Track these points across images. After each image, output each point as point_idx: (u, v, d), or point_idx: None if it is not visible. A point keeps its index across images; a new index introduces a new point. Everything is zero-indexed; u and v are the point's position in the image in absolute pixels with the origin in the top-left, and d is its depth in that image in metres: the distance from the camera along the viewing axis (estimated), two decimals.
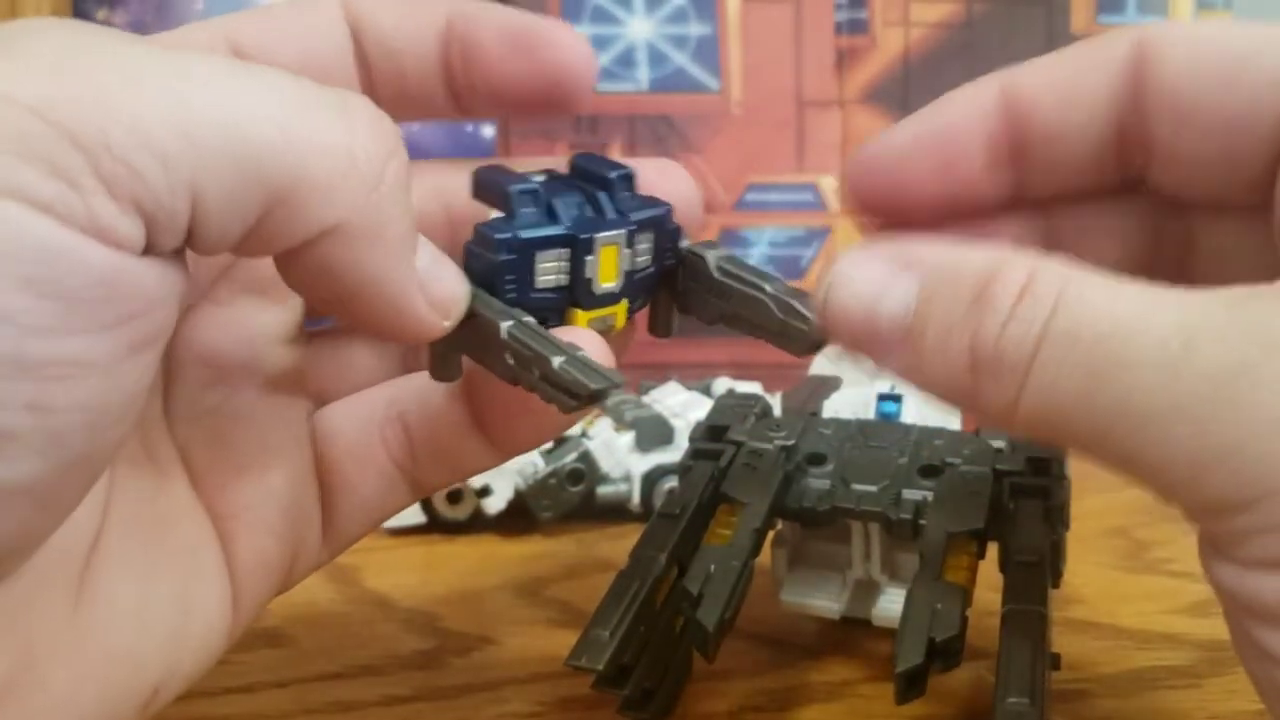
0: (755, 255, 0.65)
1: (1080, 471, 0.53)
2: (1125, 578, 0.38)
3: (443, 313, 0.20)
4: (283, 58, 0.22)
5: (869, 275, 0.20)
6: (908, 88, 0.55)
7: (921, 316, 0.19)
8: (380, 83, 0.23)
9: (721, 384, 0.49)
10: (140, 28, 0.54)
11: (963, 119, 0.23)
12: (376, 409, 0.24)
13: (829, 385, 0.39)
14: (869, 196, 0.24)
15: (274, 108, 0.17)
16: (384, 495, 0.25)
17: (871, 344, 0.20)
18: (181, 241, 0.17)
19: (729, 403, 0.35)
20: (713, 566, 0.26)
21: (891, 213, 0.24)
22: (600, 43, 0.56)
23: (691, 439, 0.33)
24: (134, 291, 0.17)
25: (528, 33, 0.22)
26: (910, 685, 0.24)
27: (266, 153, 0.17)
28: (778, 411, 0.36)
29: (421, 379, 0.24)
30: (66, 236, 0.15)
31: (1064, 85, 0.22)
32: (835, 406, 0.38)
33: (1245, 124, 0.20)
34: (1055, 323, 0.17)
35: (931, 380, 0.19)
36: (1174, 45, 0.21)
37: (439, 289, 0.20)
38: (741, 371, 0.51)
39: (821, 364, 0.52)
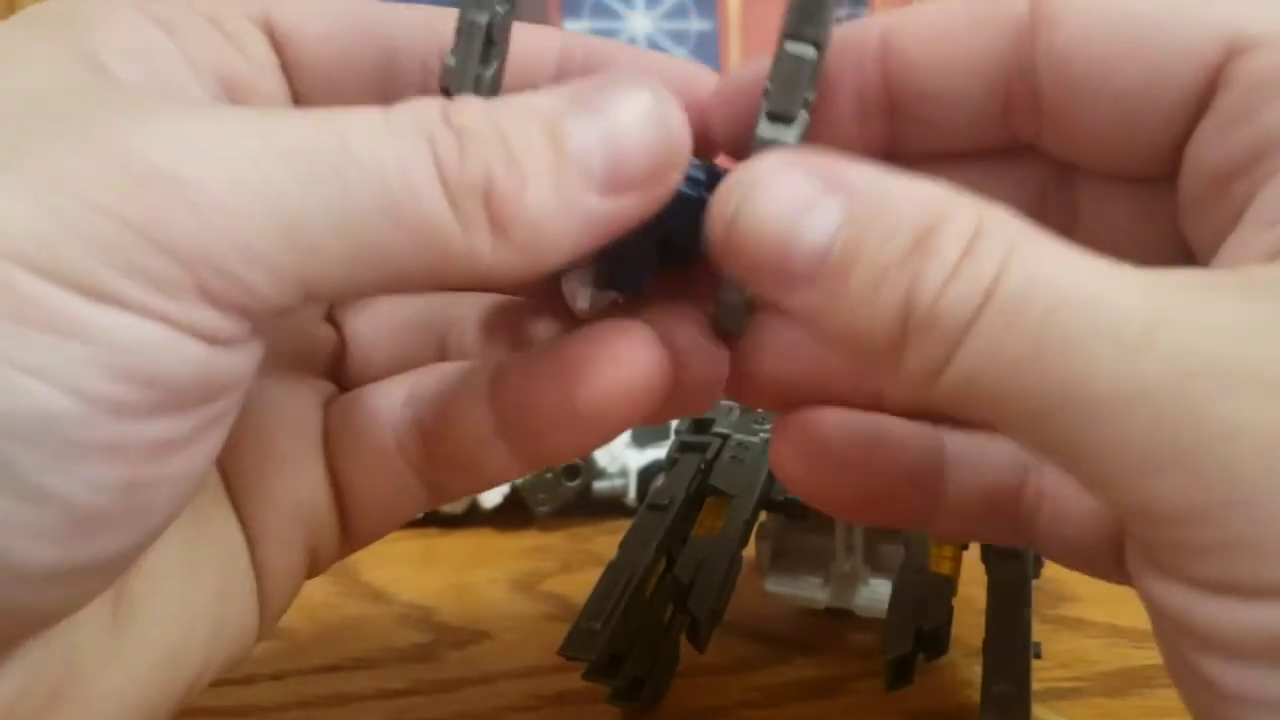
0: None
1: None
2: None
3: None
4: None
5: (791, 191, 0.17)
6: None
7: (848, 252, 0.16)
8: None
9: None
10: None
11: (835, 62, 0.20)
12: (393, 412, 0.23)
13: None
14: (720, 125, 0.21)
15: (380, 196, 0.16)
16: (400, 501, 0.23)
17: (778, 275, 0.17)
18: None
19: None
20: (703, 557, 0.26)
21: (739, 149, 0.20)
22: (600, 36, 0.56)
23: (677, 432, 0.34)
24: (228, 377, 0.17)
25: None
26: (898, 673, 0.24)
27: (378, 243, 0.16)
28: None
29: (439, 378, 0.22)
30: (168, 336, 0.15)
31: (946, 44, 0.20)
32: None
33: (1146, 97, 0.19)
34: (1003, 283, 0.15)
35: (847, 327, 0.17)
36: (1073, 8, 0.19)
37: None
38: None
39: None
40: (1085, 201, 0.21)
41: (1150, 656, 0.31)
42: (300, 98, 0.21)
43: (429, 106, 0.17)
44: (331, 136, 0.16)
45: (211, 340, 0.16)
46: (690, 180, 0.19)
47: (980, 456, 0.22)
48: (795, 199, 0.17)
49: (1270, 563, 0.15)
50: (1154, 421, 0.15)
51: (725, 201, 0.17)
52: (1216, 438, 0.15)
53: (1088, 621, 0.34)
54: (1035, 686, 0.29)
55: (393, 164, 0.16)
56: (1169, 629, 0.17)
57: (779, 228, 0.17)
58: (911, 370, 0.16)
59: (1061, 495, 0.21)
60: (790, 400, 0.22)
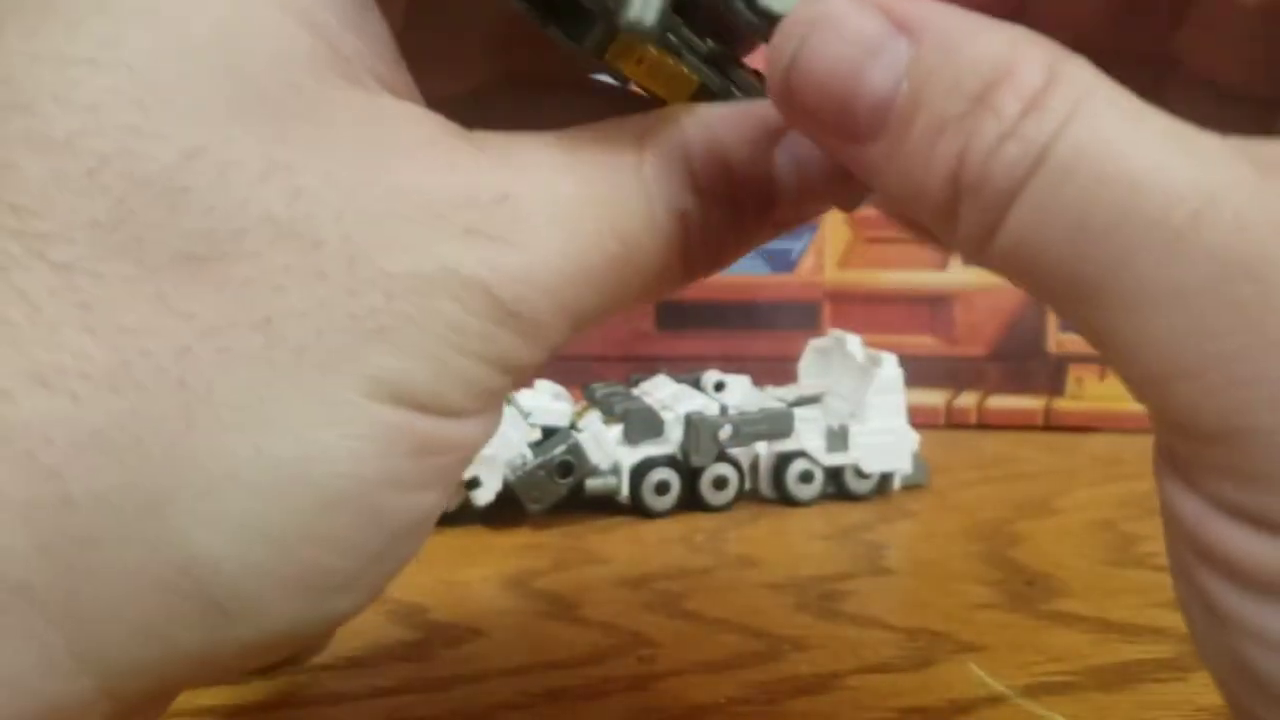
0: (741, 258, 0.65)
1: (1068, 465, 0.54)
2: (1112, 571, 0.38)
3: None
4: None
5: (856, 31, 0.15)
6: None
7: (912, 100, 0.15)
8: None
9: (711, 377, 0.49)
10: None
11: None
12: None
13: None
14: None
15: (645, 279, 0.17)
16: None
17: (840, 125, 0.16)
18: None
19: None
20: None
21: None
22: None
23: None
24: (481, 444, 0.17)
25: None
26: None
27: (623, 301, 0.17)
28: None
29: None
30: (444, 426, 0.16)
31: None
32: None
33: None
34: (1058, 146, 0.14)
35: (903, 184, 0.15)
36: None
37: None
38: (731, 364, 0.51)
39: (813, 361, 0.53)
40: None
41: (1142, 651, 0.31)
42: None
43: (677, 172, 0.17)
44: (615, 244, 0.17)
45: (480, 415, 0.17)
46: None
47: None
48: (861, 40, 0.15)
49: None
50: (1184, 324, 0.13)
51: (785, 41, 0.16)
52: (1244, 351, 0.13)
53: (1080, 616, 0.34)
54: (1028, 681, 0.29)
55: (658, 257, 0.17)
56: (1182, 541, 0.15)
57: (842, 72, 0.15)
58: (963, 233, 0.15)
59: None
60: None
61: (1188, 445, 0.15)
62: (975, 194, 0.15)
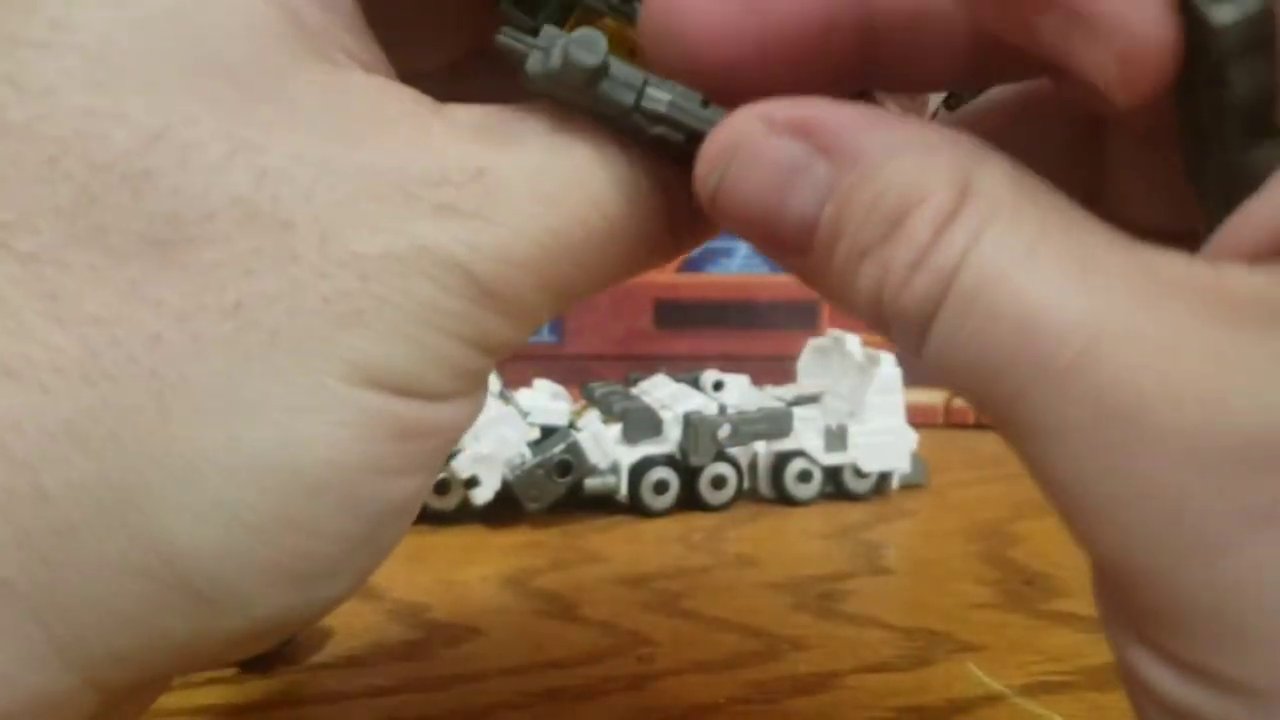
0: (738, 257, 0.65)
1: None
2: None
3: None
4: None
5: (778, 157, 0.15)
6: None
7: (832, 227, 0.15)
8: None
9: (709, 376, 0.49)
10: None
11: None
12: None
13: None
14: (667, 36, 0.16)
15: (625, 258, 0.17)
16: None
17: (770, 242, 0.16)
18: None
19: None
20: None
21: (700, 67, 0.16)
22: None
23: None
24: (465, 427, 0.17)
25: None
26: None
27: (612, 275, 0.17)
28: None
29: None
30: (425, 410, 0.16)
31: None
32: None
33: None
34: (961, 276, 0.14)
35: (836, 297, 0.15)
36: None
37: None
38: (729, 364, 0.51)
39: (812, 360, 0.53)
40: (1110, 162, 0.19)
41: None
42: None
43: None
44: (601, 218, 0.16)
45: (465, 398, 0.16)
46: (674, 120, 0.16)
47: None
48: (780, 167, 0.15)
49: (1198, 646, 0.13)
50: (1072, 464, 0.13)
51: (708, 170, 0.16)
52: (1122, 498, 0.13)
53: (1078, 616, 0.34)
54: (1027, 680, 0.29)
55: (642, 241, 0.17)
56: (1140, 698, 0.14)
57: (764, 202, 0.15)
58: (898, 344, 0.15)
59: None
60: None
61: (1103, 579, 0.14)
62: (896, 320, 0.15)
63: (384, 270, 0.15)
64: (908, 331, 0.15)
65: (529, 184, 0.16)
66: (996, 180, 0.14)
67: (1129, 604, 0.14)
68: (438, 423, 0.16)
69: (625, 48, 0.18)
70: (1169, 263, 0.14)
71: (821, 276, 0.15)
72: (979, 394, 0.14)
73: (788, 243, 0.15)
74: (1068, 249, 0.14)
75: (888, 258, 0.14)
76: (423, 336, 0.15)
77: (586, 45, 0.16)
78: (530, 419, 0.44)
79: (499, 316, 0.16)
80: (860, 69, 0.17)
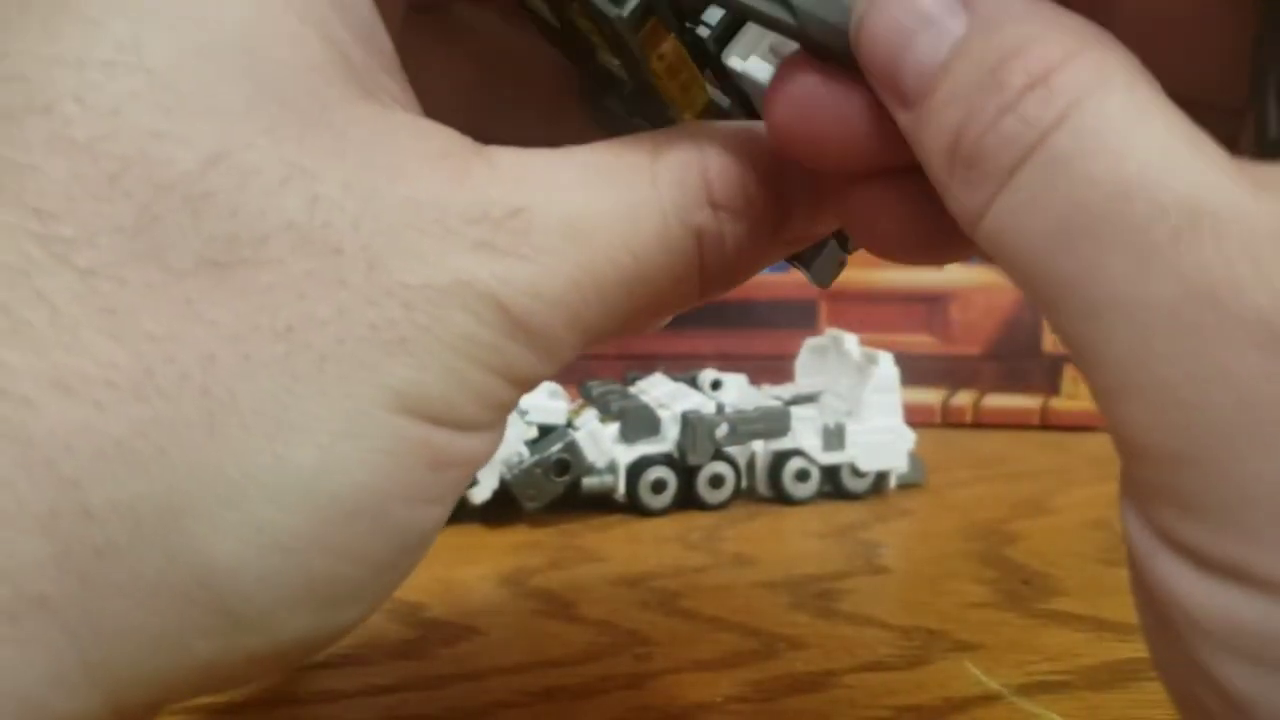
0: None
1: (1063, 465, 0.54)
2: (1106, 570, 0.38)
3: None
4: None
5: (918, 4, 0.15)
6: None
7: (943, 74, 0.15)
8: None
9: (707, 375, 0.49)
10: None
11: None
12: None
13: None
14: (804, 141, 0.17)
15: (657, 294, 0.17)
16: None
17: (889, 87, 0.16)
18: None
19: None
20: None
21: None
22: None
23: None
24: (487, 459, 0.17)
25: None
26: None
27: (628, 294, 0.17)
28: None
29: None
30: (457, 439, 0.16)
31: None
32: None
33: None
34: (1057, 135, 0.13)
35: (921, 152, 0.15)
36: None
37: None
38: (728, 363, 0.51)
39: (810, 359, 0.53)
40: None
41: (1137, 650, 0.31)
42: None
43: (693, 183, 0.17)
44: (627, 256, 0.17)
45: (489, 430, 0.17)
46: None
47: None
48: (916, 10, 0.15)
49: (1233, 538, 0.13)
50: (1143, 341, 0.13)
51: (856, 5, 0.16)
52: (1196, 379, 0.13)
53: (1074, 616, 0.34)
54: (1024, 680, 0.30)
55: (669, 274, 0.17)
56: (1134, 568, 0.15)
57: (894, 38, 0.15)
58: (954, 210, 0.15)
59: None
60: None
61: (1138, 467, 0.14)
62: (967, 171, 0.14)
63: (426, 300, 0.15)
64: (977, 183, 0.14)
65: (564, 223, 0.16)
66: (1110, 51, 0.14)
67: (1166, 497, 0.13)
68: (466, 453, 0.16)
69: (681, 83, 0.19)
70: (1262, 166, 0.13)
71: (914, 128, 0.15)
72: (1040, 265, 0.14)
73: (905, 89, 0.15)
74: (1178, 127, 0.13)
75: (976, 99, 0.14)
76: (460, 367, 0.15)
77: None
78: (528, 418, 0.44)
79: (529, 350, 0.16)
80: None
